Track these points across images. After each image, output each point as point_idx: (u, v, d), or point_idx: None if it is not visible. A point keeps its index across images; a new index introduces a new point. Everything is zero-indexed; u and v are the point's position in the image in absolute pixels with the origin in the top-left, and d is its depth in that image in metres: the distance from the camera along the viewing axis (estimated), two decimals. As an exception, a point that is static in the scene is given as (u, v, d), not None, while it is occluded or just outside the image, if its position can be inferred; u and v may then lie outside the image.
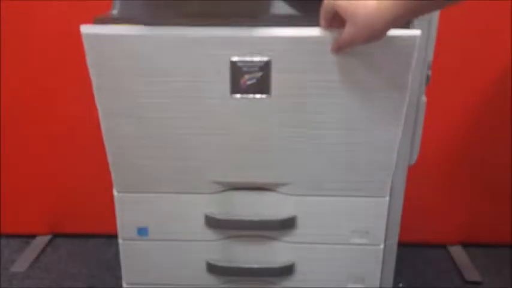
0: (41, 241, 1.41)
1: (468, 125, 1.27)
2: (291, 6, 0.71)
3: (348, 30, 0.60)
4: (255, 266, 0.82)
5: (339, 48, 0.64)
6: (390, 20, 0.57)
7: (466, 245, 1.39)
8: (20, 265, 1.32)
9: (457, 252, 1.36)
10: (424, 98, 0.80)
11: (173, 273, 0.84)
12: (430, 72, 0.80)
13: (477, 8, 1.13)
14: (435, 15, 0.75)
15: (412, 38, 0.65)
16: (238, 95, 0.69)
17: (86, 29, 0.67)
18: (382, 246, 0.81)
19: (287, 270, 0.82)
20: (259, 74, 0.67)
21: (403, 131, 0.79)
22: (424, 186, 1.26)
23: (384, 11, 0.56)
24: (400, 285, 1.18)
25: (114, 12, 0.76)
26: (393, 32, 0.62)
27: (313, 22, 0.65)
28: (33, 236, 1.42)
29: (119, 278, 0.89)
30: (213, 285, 0.85)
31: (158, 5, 0.75)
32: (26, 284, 1.25)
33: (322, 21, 0.65)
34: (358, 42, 0.61)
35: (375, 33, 0.59)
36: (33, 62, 1.24)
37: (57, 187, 1.36)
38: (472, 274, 1.28)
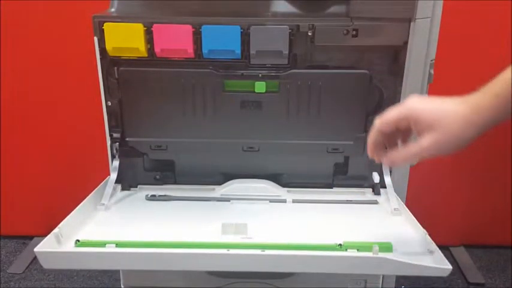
0: (38, 242, 1.38)
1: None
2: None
3: (430, 139, 0.50)
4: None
5: (408, 159, 0.53)
6: (484, 127, 0.49)
7: (468, 247, 1.38)
8: (18, 266, 1.31)
9: (460, 254, 1.35)
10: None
11: (172, 274, 0.83)
12: (432, 71, 0.79)
13: (478, 8, 1.14)
14: (438, 14, 0.74)
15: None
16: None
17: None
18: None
19: (287, 273, 0.81)
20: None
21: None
22: (426, 187, 1.25)
23: (477, 117, 0.49)
24: (403, 287, 1.17)
25: (112, 10, 0.76)
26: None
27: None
28: (30, 237, 1.41)
29: (117, 280, 0.88)
30: (212, 286, 0.84)
31: (156, 3, 0.75)
32: (24, 285, 1.25)
33: (374, 139, 0.55)
34: (438, 153, 0.52)
35: (463, 143, 0.51)
36: (33, 63, 1.24)
37: (54, 188, 1.35)
38: (474, 276, 1.27)
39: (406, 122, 0.52)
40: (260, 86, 0.75)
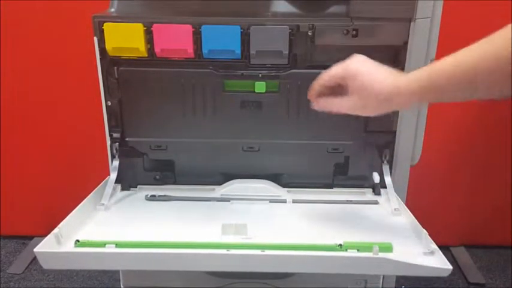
0: (38, 242, 1.38)
1: (470, 125, 1.26)
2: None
3: (352, 101, 0.58)
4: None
5: (332, 110, 0.61)
6: (402, 105, 0.56)
7: (468, 246, 1.38)
8: (17, 267, 1.31)
9: (460, 254, 1.35)
10: (427, 97, 0.79)
11: (172, 275, 0.83)
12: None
13: (478, 8, 1.14)
14: (438, 14, 0.74)
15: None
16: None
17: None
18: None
19: (287, 273, 0.81)
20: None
21: (405, 131, 0.78)
22: (426, 187, 1.25)
23: (396, 97, 0.54)
24: (403, 287, 1.17)
25: (112, 10, 0.76)
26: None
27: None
28: (30, 237, 1.41)
29: (116, 280, 0.88)
30: (212, 286, 0.84)
31: (156, 3, 0.75)
32: (23, 285, 1.24)
33: (316, 90, 0.62)
34: (358, 113, 0.59)
35: (381, 112, 0.57)
36: (33, 63, 1.24)
37: (54, 188, 1.35)
38: (475, 276, 1.27)
39: (344, 80, 0.58)
40: (260, 86, 0.75)
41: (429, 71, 0.52)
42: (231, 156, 0.80)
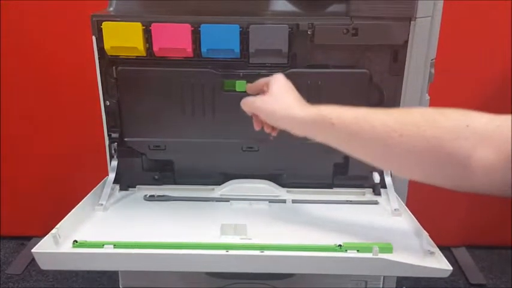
0: (37, 243, 1.38)
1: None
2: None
3: (261, 103, 0.63)
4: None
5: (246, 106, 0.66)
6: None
7: (470, 247, 1.37)
8: (16, 267, 1.31)
9: (461, 254, 1.35)
10: (427, 96, 0.79)
11: (171, 275, 0.82)
12: (433, 70, 0.78)
13: (479, 7, 1.14)
14: (438, 13, 0.74)
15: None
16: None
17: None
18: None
19: (287, 274, 0.81)
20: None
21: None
22: (426, 187, 1.25)
23: (291, 127, 0.60)
24: (404, 287, 1.16)
25: (111, 9, 0.75)
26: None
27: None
28: (29, 238, 1.41)
29: (115, 281, 0.87)
30: (211, 287, 0.83)
31: (154, 2, 0.74)
32: (22, 286, 1.24)
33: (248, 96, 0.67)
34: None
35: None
36: (32, 62, 1.24)
37: (53, 188, 1.35)
38: (476, 276, 1.27)
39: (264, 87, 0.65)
40: (260, 86, 0.74)
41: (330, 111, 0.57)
42: (230, 156, 0.80)
